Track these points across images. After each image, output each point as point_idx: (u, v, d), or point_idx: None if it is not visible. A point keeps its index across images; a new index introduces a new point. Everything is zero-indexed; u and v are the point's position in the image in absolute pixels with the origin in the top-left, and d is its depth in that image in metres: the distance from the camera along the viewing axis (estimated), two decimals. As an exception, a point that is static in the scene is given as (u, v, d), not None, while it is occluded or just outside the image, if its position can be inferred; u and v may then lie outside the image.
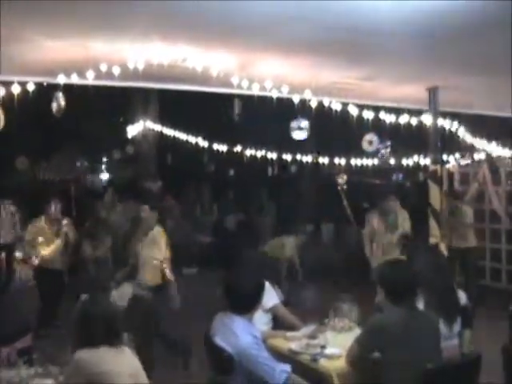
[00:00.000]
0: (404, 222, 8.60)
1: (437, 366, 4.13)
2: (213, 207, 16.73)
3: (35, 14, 4.83)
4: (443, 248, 7.58)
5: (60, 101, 6.07)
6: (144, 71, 6.03)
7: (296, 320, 5.83)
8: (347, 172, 13.52)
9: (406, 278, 4.42)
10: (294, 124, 7.62)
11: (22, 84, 6.08)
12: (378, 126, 7.84)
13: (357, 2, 4.56)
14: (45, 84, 6.17)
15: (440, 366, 4.20)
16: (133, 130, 14.49)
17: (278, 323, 5.88)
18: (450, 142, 9.64)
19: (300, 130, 7.63)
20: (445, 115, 8.21)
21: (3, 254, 8.59)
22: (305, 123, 7.58)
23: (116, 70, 5.97)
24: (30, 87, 6.10)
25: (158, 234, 7.60)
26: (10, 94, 6.08)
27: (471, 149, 10.52)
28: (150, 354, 6.37)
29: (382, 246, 8.52)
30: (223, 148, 12.75)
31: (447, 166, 10.60)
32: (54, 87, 6.19)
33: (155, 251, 7.41)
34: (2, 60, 5.75)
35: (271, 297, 5.57)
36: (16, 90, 6.05)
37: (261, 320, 5.37)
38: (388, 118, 7.75)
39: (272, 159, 12.72)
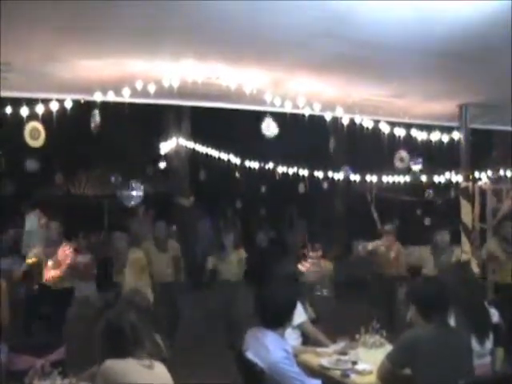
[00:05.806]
0: None
1: (468, 383, 4.13)
2: (236, 223, 16.70)
3: (70, 34, 4.93)
4: (474, 265, 7.52)
5: (96, 118, 6.20)
6: (178, 89, 6.10)
7: (324, 337, 5.86)
8: (379, 189, 13.48)
9: (438, 294, 4.43)
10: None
11: (60, 101, 6.21)
12: (409, 143, 7.84)
13: (388, 20, 4.61)
14: (82, 101, 6.29)
15: (471, 383, 4.19)
16: (166, 147, 14.64)
17: (307, 339, 5.92)
18: (482, 159, 9.55)
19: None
20: (476, 132, 8.18)
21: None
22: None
23: (151, 88, 6.05)
24: (68, 104, 6.23)
25: None
26: (48, 111, 6.22)
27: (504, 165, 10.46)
28: None
29: None
30: (255, 165, 12.82)
31: (479, 183, 10.51)
32: (90, 105, 6.32)
33: None
34: (40, 77, 5.91)
35: (299, 314, 5.60)
36: (54, 107, 6.20)
37: (290, 336, 5.41)
38: (419, 135, 7.76)
39: (303, 176, 12.73)
